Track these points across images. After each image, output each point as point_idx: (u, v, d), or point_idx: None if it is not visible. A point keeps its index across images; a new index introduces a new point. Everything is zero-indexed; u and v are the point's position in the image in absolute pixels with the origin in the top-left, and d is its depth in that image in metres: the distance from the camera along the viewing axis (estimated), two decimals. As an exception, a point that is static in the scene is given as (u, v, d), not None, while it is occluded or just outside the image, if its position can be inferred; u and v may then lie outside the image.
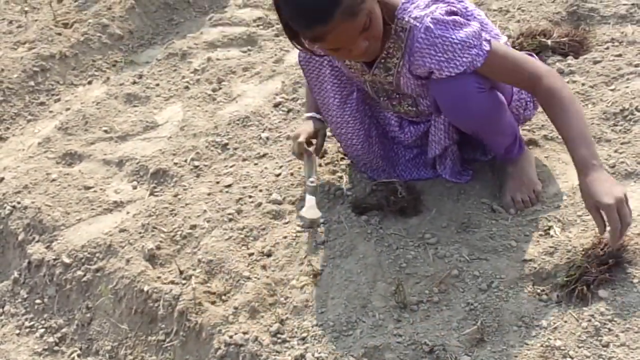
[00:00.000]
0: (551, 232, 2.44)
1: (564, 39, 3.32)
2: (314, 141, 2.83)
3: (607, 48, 3.25)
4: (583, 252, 2.29)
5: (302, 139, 2.78)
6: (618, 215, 2.10)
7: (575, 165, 2.24)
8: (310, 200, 2.71)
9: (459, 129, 2.54)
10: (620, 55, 3.17)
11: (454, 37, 2.24)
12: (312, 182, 2.74)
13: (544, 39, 3.33)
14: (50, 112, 4.02)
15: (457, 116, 2.44)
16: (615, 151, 2.69)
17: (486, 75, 2.34)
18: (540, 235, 2.44)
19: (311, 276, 2.50)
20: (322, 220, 2.68)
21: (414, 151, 2.82)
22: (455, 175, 2.71)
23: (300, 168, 2.94)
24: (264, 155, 3.18)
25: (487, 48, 2.27)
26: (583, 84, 3.07)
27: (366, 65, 2.48)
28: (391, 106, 2.66)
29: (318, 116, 2.84)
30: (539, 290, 2.27)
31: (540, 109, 2.75)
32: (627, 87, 2.96)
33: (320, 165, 2.93)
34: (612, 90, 3.00)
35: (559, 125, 2.32)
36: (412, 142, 2.79)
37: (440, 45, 2.25)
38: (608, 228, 2.13)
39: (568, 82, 3.10)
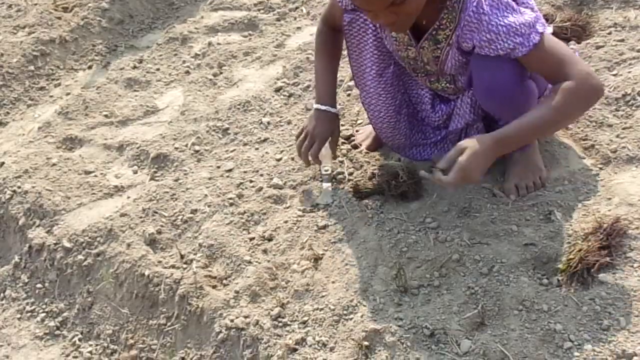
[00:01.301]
0: (552, 216, 2.43)
1: (567, 24, 3.29)
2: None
3: (610, 33, 3.24)
4: (584, 237, 2.29)
5: (320, 144, 2.71)
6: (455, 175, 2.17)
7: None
8: (327, 186, 2.76)
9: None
10: (622, 40, 3.15)
11: (501, 19, 2.21)
12: (326, 170, 2.77)
13: (546, 24, 3.31)
14: (51, 96, 4.01)
15: (487, 98, 2.42)
16: (617, 136, 2.68)
17: (524, 64, 2.31)
18: (541, 219, 2.44)
19: (312, 260, 2.50)
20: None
21: (442, 132, 2.79)
22: None
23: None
24: (265, 139, 3.17)
25: (535, 41, 2.23)
26: (585, 69, 3.05)
27: (414, 39, 2.46)
28: (429, 82, 2.64)
29: (332, 110, 2.75)
30: (539, 275, 2.27)
31: None
32: (629, 72, 2.95)
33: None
34: (614, 75, 2.98)
35: (530, 115, 2.25)
36: (442, 123, 2.76)
37: (486, 23, 2.23)
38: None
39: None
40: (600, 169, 2.59)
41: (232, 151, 3.14)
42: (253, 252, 2.59)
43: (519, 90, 2.37)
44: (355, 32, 2.60)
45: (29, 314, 2.90)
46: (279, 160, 3.00)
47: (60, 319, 2.83)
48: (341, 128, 2.92)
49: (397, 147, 2.84)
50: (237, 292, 2.44)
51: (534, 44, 2.24)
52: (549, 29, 2.42)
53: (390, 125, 2.75)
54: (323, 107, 2.74)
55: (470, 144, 2.21)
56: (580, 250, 2.23)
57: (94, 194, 3.09)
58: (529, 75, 2.38)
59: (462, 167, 2.17)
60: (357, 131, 3.04)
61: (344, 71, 3.18)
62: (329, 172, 2.76)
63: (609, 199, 2.43)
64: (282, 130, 3.20)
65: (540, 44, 2.25)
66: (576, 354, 2.00)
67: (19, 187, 3.16)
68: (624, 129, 2.71)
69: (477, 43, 2.28)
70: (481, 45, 2.27)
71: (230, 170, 3.01)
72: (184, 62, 3.99)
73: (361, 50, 2.63)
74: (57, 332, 2.81)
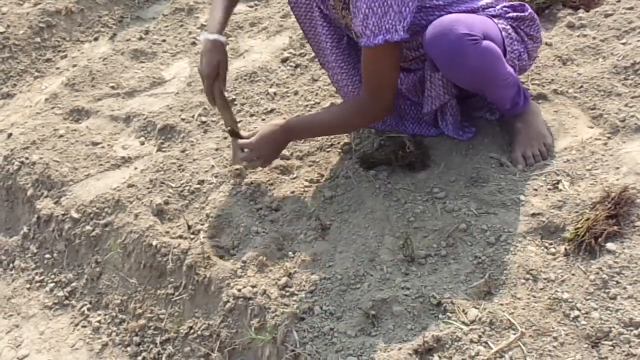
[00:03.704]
0: (560, 186, 2.43)
1: (576, -8, 3.27)
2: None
3: (619, 1, 3.20)
4: (591, 206, 2.28)
5: (209, 81, 2.67)
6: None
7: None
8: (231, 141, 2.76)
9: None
10: (631, 9, 3.12)
11: (370, 3, 2.25)
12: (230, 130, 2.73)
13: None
14: (57, 68, 4.01)
15: (455, 72, 2.43)
16: (626, 105, 2.66)
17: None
18: (549, 189, 2.43)
19: (319, 230, 2.50)
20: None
21: (419, 108, 2.79)
22: (458, 131, 2.70)
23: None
24: (272, 110, 3.16)
25: (376, 42, 2.29)
26: (594, 38, 3.03)
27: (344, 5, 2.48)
28: None
29: (220, 38, 2.67)
30: (547, 244, 2.27)
31: (537, 61, 2.83)
32: (638, 40, 2.92)
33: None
34: (623, 44, 2.96)
35: (325, 111, 2.56)
36: (409, 94, 2.76)
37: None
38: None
39: (579, 35, 3.07)
40: (609, 138, 2.57)
41: (238, 122, 3.13)
42: (260, 222, 2.59)
43: (485, 52, 2.36)
44: (303, 11, 2.68)
45: (38, 284, 2.93)
46: (285, 130, 2.99)
47: (69, 289, 2.85)
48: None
49: (380, 124, 2.82)
50: (244, 262, 2.44)
51: (373, 43, 2.30)
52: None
53: None
54: (211, 37, 2.67)
55: (263, 127, 2.57)
56: (587, 219, 2.22)
57: (101, 165, 3.09)
58: (482, 37, 2.36)
59: (250, 146, 2.55)
60: None
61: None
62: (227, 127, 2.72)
63: (617, 168, 2.42)
64: (289, 101, 3.19)
65: (376, 49, 2.32)
66: (583, 322, 2.00)
67: (27, 159, 3.17)
68: (632, 97, 2.69)
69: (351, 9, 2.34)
70: (353, 13, 2.33)
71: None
72: (190, 33, 3.97)
73: (314, 27, 2.68)
74: (66, 301, 2.83)
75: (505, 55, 2.50)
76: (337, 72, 2.73)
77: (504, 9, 2.59)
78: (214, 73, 2.66)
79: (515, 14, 2.58)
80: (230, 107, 2.82)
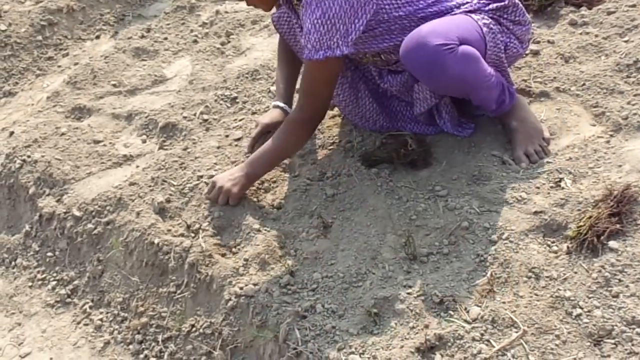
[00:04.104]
0: (562, 184, 2.42)
1: (578, -11, 3.27)
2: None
3: (622, -2, 3.20)
4: (594, 204, 2.28)
5: (262, 130, 2.88)
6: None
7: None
8: None
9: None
10: (634, 6, 3.11)
11: (313, 19, 2.30)
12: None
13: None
14: (59, 66, 4.01)
15: (435, 82, 2.44)
16: (628, 103, 2.66)
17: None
18: (551, 187, 2.43)
19: (321, 228, 2.50)
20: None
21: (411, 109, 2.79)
22: (456, 128, 2.69)
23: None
24: (273, 108, 3.16)
25: (316, 57, 2.35)
26: (596, 35, 3.03)
27: None
28: (358, 58, 2.71)
29: (286, 107, 2.92)
30: (549, 242, 2.26)
31: (539, 59, 2.84)
32: (641, 38, 2.92)
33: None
34: (625, 41, 2.95)
35: (271, 140, 2.61)
36: (401, 95, 2.76)
37: (308, 8, 2.32)
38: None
39: (581, 33, 3.06)
40: (611, 136, 2.57)
41: (240, 120, 3.13)
42: (262, 220, 2.59)
43: (463, 58, 2.34)
44: (286, 28, 2.76)
45: (40, 282, 2.93)
46: (287, 128, 2.99)
47: (71, 287, 2.85)
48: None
49: (372, 124, 2.84)
50: (246, 260, 2.44)
51: (314, 58, 2.35)
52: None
53: (353, 103, 2.79)
54: (279, 104, 2.94)
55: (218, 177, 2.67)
56: (590, 217, 2.22)
57: (103, 163, 3.09)
58: (458, 43, 2.34)
59: (214, 182, 2.64)
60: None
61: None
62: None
63: (620, 166, 2.42)
64: (291, 99, 3.19)
65: (316, 64, 2.38)
66: (585, 320, 2.00)
67: (29, 157, 3.17)
68: (635, 95, 2.68)
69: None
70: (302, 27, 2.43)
71: (238, 139, 3.01)
72: (191, 31, 3.97)
73: (298, 42, 2.74)
74: (68, 299, 2.83)
75: (486, 52, 2.48)
76: None
77: (482, 2, 2.57)
78: (269, 128, 2.85)
79: (495, 4, 2.56)
80: None
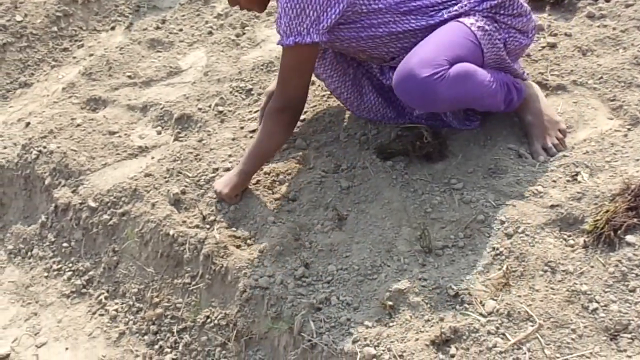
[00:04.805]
0: (579, 177, 2.41)
1: (596, -18, 3.24)
2: None
3: (640, -9, 3.17)
4: (611, 198, 2.27)
5: (264, 103, 2.93)
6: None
7: None
8: None
9: None
10: (652, -1, 3.09)
11: (286, 5, 2.31)
12: None
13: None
14: (74, 57, 4.02)
15: (432, 108, 2.46)
16: (646, 96, 2.64)
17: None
18: (568, 180, 2.42)
19: (336, 221, 2.50)
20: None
21: None
22: (463, 122, 2.68)
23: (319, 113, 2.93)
24: (289, 100, 3.15)
25: (286, 42, 2.35)
26: (614, 28, 3.00)
27: None
28: (357, 57, 2.71)
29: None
30: (565, 236, 2.25)
31: (556, 52, 2.84)
32: (659, 31, 2.90)
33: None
34: (643, 34, 2.93)
35: (256, 133, 2.63)
36: None
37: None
38: None
39: (599, 26, 3.04)
40: (629, 129, 2.55)
41: (255, 112, 3.13)
42: (277, 212, 2.59)
43: (455, 82, 2.29)
44: None
45: (55, 273, 2.94)
46: (302, 121, 2.99)
47: (86, 277, 2.86)
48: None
49: (380, 117, 2.84)
50: (261, 251, 2.45)
51: (285, 44, 2.36)
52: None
53: (357, 100, 2.81)
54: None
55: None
56: (607, 211, 2.21)
57: (118, 154, 3.10)
58: (448, 65, 2.29)
59: (213, 187, 2.70)
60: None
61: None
62: None
63: (637, 160, 2.40)
64: (306, 91, 3.18)
65: (287, 50, 2.39)
66: (602, 314, 1.99)
67: (45, 147, 3.18)
68: (653, 89, 2.66)
69: None
70: None
71: (253, 131, 3.01)
72: (206, 22, 3.97)
73: None
74: (84, 290, 2.85)
75: (484, 58, 2.43)
76: (328, 80, 2.81)
77: (473, 1, 2.47)
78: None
79: (488, 3, 2.45)
80: None
